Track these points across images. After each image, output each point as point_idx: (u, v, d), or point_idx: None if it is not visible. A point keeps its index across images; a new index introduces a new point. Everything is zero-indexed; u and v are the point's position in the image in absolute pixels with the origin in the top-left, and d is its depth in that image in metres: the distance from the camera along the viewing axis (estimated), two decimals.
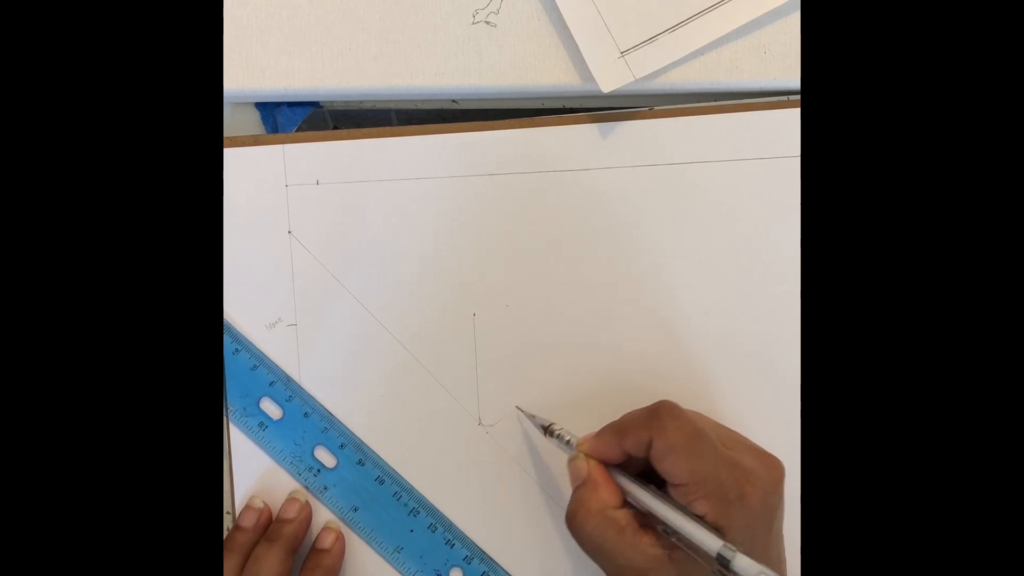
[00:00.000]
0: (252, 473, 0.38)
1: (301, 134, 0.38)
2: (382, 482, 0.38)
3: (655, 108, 0.37)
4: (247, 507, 0.37)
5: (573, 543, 0.38)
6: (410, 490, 0.38)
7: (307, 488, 0.38)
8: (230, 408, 0.38)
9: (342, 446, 0.38)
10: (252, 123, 0.39)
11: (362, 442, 0.38)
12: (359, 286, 0.38)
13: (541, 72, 0.37)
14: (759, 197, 0.37)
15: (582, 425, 0.33)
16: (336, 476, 0.38)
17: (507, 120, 0.38)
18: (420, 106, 0.39)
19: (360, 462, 0.38)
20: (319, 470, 0.38)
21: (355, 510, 0.38)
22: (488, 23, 0.37)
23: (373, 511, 0.38)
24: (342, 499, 0.38)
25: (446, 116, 0.39)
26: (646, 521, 0.30)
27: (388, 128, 0.38)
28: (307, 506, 0.38)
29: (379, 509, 0.38)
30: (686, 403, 0.37)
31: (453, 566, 0.38)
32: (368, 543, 0.38)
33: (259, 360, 0.38)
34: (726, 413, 0.37)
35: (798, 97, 0.37)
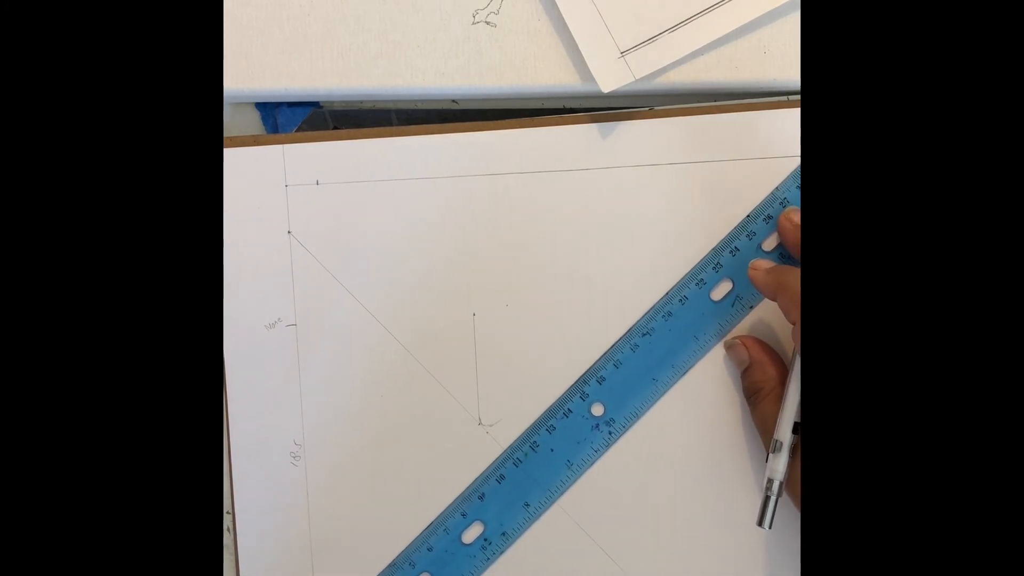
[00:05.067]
0: (252, 473, 0.38)
1: (301, 134, 0.38)
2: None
3: (655, 108, 0.37)
4: None
5: (571, 540, 0.39)
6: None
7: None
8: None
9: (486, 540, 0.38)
10: (252, 123, 0.39)
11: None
12: (359, 286, 0.38)
13: (541, 72, 0.37)
14: (759, 197, 0.37)
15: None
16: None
17: (507, 120, 0.38)
18: (420, 106, 0.39)
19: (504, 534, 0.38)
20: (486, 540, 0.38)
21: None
22: (488, 23, 0.37)
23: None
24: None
25: (446, 116, 0.39)
26: None
27: (388, 128, 0.38)
28: None
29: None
30: (686, 399, 0.37)
31: None
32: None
33: None
34: (728, 408, 0.37)
35: (798, 97, 0.37)
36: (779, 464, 0.34)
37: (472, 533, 0.38)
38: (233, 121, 0.39)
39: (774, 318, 0.37)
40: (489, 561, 0.38)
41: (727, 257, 0.37)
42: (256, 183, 0.38)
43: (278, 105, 0.39)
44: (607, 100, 0.37)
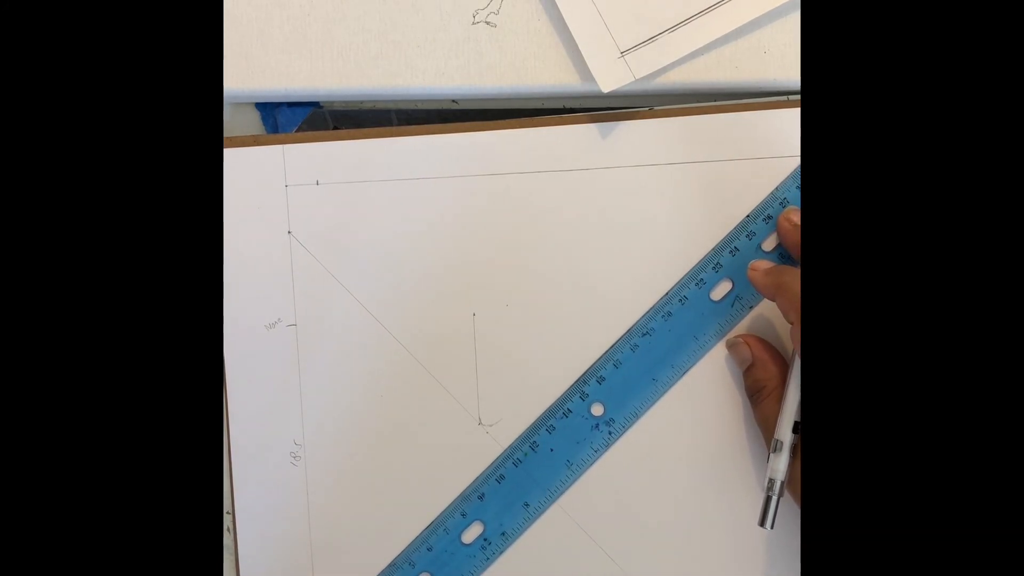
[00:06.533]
0: (252, 473, 0.38)
1: (301, 134, 0.38)
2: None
3: (655, 108, 0.37)
4: None
5: (570, 540, 0.39)
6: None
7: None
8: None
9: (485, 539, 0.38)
10: (252, 123, 0.39)
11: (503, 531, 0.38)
12: (359, 286, 0.38)
13: (541, 72, 0.37)
14: (759, 197, 0.37)
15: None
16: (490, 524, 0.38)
17: (507, 120, 0.38)
18: (420, 106, 0.39)
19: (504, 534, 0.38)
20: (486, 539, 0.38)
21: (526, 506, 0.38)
22: (488, 23, 0.37)
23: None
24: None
25: (446, 116, 0.39)
26: None
27: (388, 128, 0.38)
28: None
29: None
30: (685, 399, 0.38)
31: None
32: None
33: None
34: (728, 408, 0.37)
35: (798, 97, 0.37)
36: (780, 464, 0.34)
37: (472, 533, 0.38)
38: (233, 121, 0.39)
39: (775, 316, 0.37)
40: (489, 561, 0.38)
41: (727, 257, 0.37)
42: (256, 183, 0.38)
43: (278, 105, 0.39)
44: (607, 100, 0.37)
